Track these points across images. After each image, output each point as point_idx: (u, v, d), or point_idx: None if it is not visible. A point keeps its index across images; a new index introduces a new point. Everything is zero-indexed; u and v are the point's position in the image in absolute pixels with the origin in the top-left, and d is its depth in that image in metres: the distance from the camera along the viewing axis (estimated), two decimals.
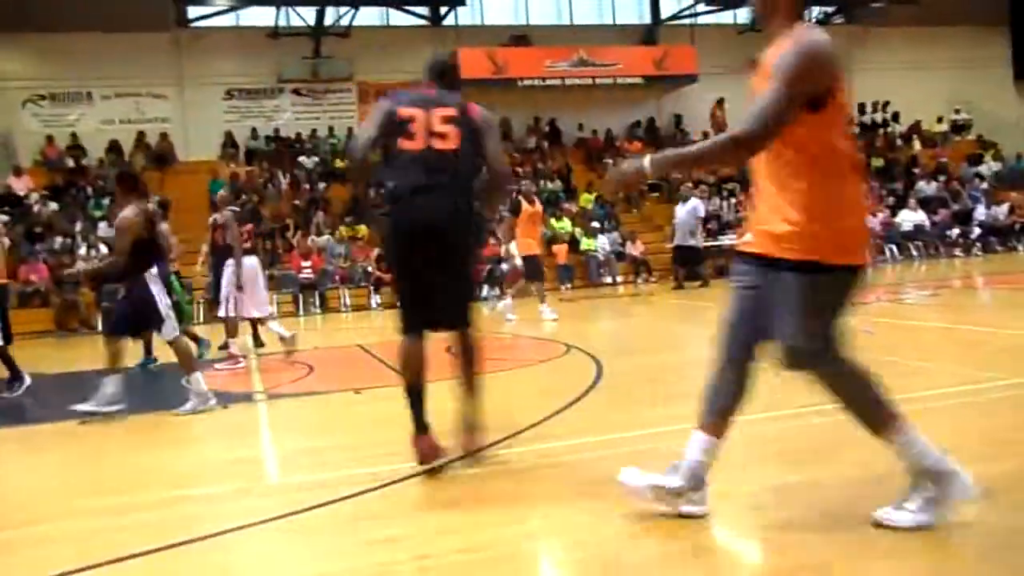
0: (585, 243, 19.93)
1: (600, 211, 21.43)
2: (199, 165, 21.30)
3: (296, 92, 23.40)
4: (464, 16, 23.49)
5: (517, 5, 24.63)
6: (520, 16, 24.71)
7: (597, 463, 4.50)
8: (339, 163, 22.03)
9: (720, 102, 24.76)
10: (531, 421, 5.26)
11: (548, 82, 23.02)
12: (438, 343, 4.61)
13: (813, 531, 3.19)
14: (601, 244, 19.99)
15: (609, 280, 19.54)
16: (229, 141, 22.46)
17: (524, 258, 12.35)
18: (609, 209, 21.65)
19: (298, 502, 3.95)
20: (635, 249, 19.91)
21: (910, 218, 21.28)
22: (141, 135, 21.90)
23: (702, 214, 17.29)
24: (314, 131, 23.10)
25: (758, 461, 4.27)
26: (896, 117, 26.60)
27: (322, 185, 21.43)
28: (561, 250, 19.45)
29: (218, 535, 3.62)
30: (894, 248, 20.66)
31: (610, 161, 23.50)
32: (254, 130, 22.77)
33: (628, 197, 22.28)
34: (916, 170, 24.53)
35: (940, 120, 27.12)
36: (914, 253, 20.77)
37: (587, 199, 21.99)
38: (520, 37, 23.70)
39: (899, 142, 26.26)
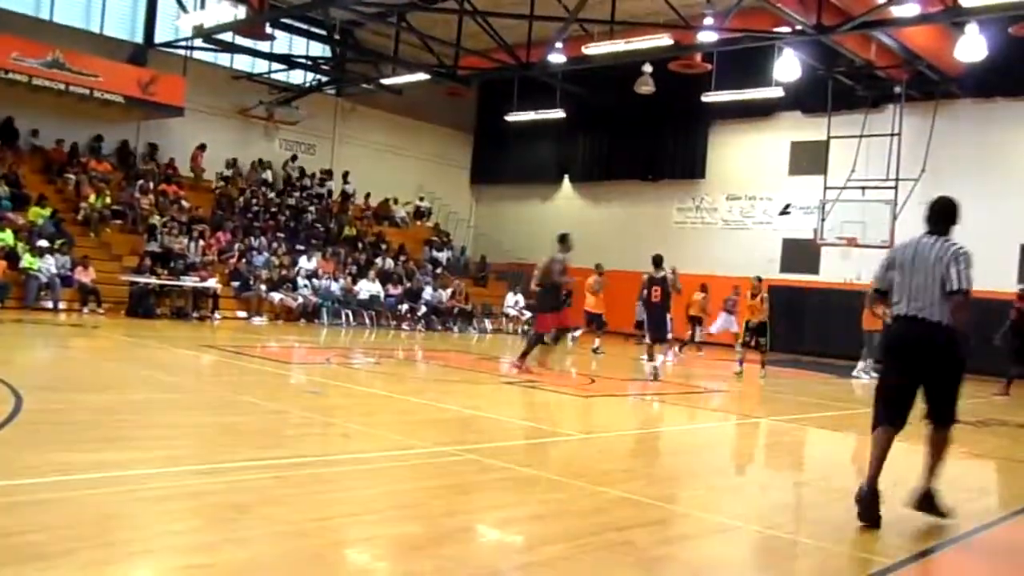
0: (28, 261, 17.68)
1: (52, 228, 19.29)
2: None
3: None
4: None
5: None
6: None
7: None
8: None
9: (202, 147, 24.41)
10: None
11: (11, 75, 20.26)
12: None
13: None
14: (47, 265, 17.91)
15: (50, 305, 17.56)
16: None
17: None
18: (63, 228, 19.60)
19: None
20: (86, 276, 18.21)
21: (368, 288, 22.53)
22: None
23: None
24: None
25: None
26: (368, 195, 28.32)
27: None
28: None
29: None
30: (350, 314, 21.69)
31: (72, 177, 21.45)
32: None
33: (87, 219, 20.43)
34: (383, 245, 26.22)
35: (397, 202, 29.30)
36: (367, 322, 21.98)
37: (38, 212, 19.59)
38: None
39: (369, 217, 27.95)
